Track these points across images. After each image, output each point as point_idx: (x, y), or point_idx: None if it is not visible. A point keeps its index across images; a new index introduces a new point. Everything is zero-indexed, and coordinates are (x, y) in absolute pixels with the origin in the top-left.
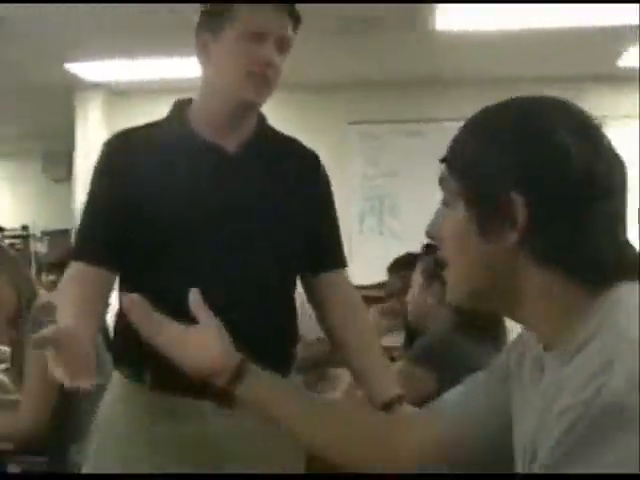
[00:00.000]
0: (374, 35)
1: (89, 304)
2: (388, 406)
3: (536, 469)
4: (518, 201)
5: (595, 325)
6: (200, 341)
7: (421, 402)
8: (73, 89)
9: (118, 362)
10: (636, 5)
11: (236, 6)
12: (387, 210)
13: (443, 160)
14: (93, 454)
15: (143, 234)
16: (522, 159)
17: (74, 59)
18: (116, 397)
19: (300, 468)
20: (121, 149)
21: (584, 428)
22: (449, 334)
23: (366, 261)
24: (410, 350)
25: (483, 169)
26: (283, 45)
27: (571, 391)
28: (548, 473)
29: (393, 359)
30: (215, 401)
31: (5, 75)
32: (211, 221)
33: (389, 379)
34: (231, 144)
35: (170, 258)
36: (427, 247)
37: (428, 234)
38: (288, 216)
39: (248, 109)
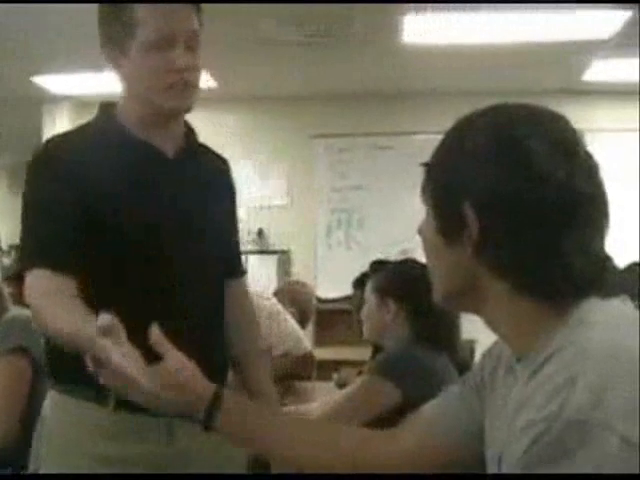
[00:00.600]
0: (341, 48)
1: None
2: None
3: None
4: (470, 214)
5: (558, 341)
6: (170, 377)
7: (385, 415)
8: (41, 102)
9: (66, 382)
10: (601, 19)
11: (136, 13)
12: (354, 223)
13: (425, 164)
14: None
15: (99, 238)
16: (480, 173)
17: (42, 72)
18: (72, 421)
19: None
20: (65, 153)
21: (547, 444)
22: (407, 348)
23: (333, 274)
24: (372, 363)
25: (445, 179)
26: (194, 41)
27: (534, 406)
28: (536, 473)
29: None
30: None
31: None
32: (162, 225)
33: (272, 398)
34: (168, 148)
35: (128, 264)
36: (376, 264)
37: (418, 232)
38: (218, 223)
39: (177, 115)
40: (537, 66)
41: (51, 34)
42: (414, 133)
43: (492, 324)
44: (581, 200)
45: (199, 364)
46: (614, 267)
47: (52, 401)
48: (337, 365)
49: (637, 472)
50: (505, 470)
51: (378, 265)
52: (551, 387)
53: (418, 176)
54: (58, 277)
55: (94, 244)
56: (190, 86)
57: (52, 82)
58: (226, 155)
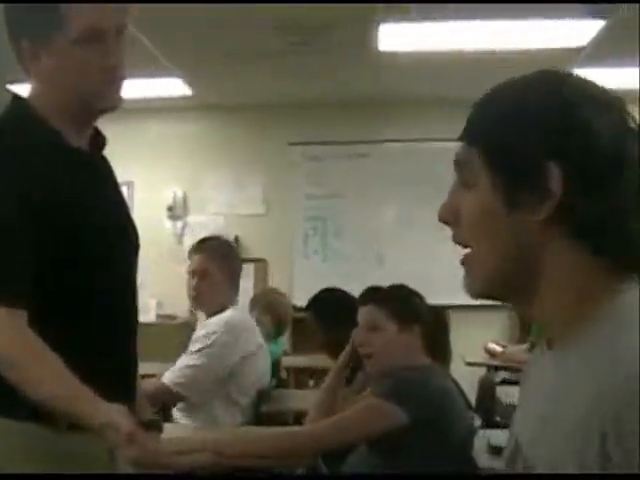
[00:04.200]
0: (317, 56)
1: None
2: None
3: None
4: (555, 171)
5: (603, 340)
6: None
7: (389, 434)
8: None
9: (8, 405)
10: (576, 28)
11: (64, 13)
12: (331, 231)
13: (461, 137)
14: None
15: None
16: (560, 132)
17: (17, 80)
18: (23, 447)
19: None
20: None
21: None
22: (420, 373)
23: (309, 282)
24: (375, 389)
25: (515, 137)
26: (121, 32)
27: (573, 403)
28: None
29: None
30: None
31: None
32: (103, 226)
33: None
34: (84, 144)
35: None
36: (370, 292)
37: (441, 218)
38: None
39: (116, 105)
40: (514, 74)
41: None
42: (390, 141)
43: (535, 305)
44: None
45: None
46: None
47: None
48: (313, 373)
49: None
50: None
51: (372, 292)
52: (589, 389)
53: (395, 184)
54: (15, 314)
55: (43, 257)
56: (121, 82)
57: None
58: (203, 163)
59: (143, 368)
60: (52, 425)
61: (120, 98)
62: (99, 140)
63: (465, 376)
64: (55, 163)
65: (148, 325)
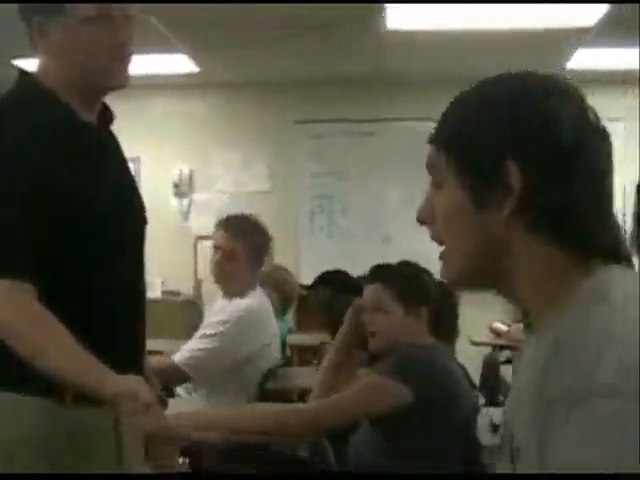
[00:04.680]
0: (324, 34)
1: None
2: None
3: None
4: (512, 168)
5: (581, 311)
6: None
7: (392, 412)
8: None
9: (16, 378)
10: (584, 8)
11: None
12: (337, 210)
13: (430, 140)
14: None
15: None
16: (516, 128)
17: (23, 55)
18: (30, 421)
19: None
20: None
21: (578, 419)
22: (425, 352)
23: (315, 260)
24: (379, 366)
25: (477, 138)
26: (130, 9)
27: (557, 377)
28: (546, 473)
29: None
30: None
31: None
32: (120, 210)
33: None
34: (92, 118)
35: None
36: (377, 270)
37: (419, 218)
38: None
39: (124, 83)
40: (521, 53)
41: None
42: (396, 120)
43: (510, 292)
44: (600, 155)
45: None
46: (623, 234)
47: None
48: (316, 351)
49: None
50: (517, 439)
51: (380, 270)
52: (576, 362)
53: (400, 163)
54: (22, 287)
55: (51, 231)
56: (129, 60)
57: (34, 65)
58: (208, 141)
59: (148, 345)
60: (58, 398)
61: (128, 76)
62: (107, 115)
63: (470, 355)
64: (66, 138)
65: (153, 302)
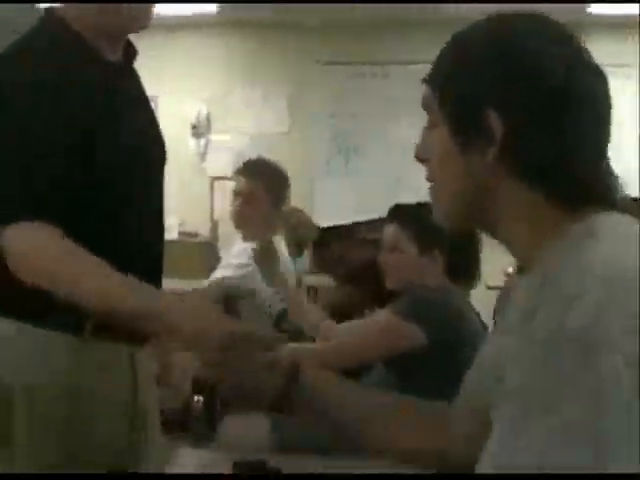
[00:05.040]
0: None
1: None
2: None
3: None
4: (493, 117)
5: (565, 254)
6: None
7: (407, 354)
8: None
9: (36, 313)
10: None
11: None
12: (352, 150)
13: (425, 79)
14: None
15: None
16: (495, 75)
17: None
18: (37, 349)
19: None
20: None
21: (548, 366)
22: (437, 293)
23: (330, 202)
24: (394, 305)
25: (459, 86)
26: None
27: (538, 321)
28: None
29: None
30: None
31: None
32: (140, 147)
33: None
34: (118, 53)
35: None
36: (395, 209)
37: (416, 155)
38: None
39: (140, 24)
40: None
41: None
42: (411, 63)
43: (499, 234)
44: (594, 97)
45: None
46: (617, 181)
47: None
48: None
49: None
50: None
51: (398, 210)
52: (556, 302)
53: (415, 105)
54: (50, 227)
55: (80, 173)
56: (152, 3)
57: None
58: (227, 80)
59: (165, 285)
60: (77, 332)
61: (150, 17)
62: (130, 51)
63: (485, 299)
64: (94, 78)
65: (170, 242)
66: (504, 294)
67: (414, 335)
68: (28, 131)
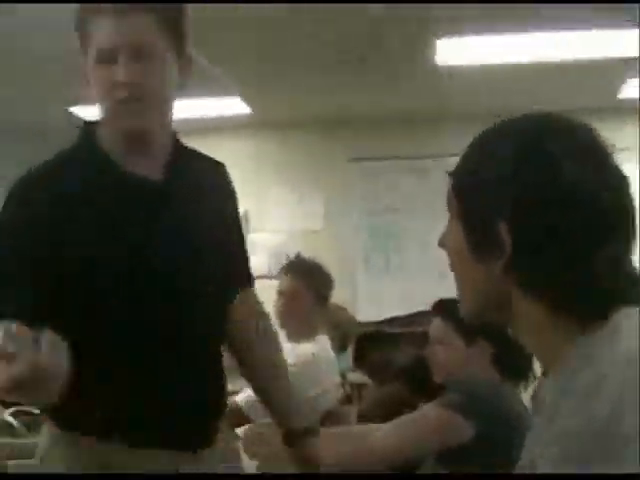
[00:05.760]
0: (375, 71)
1: None
2: (303, 435)
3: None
4: (504, 229)
5: (589, 352)
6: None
7: (456, 448)
8: (76, 132)
9: (67, 422)
10: (634, 37)
11: (88, 25)
12: (392, 247)
13: (450, 173)
14: None
15: (73, 283)
16: (511, 189)
17: (79, 102)
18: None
19: None
20: (32, 197)
21: (574, 458)
22: (489, 388)
23: (372, 298)
24: (442, 399)
25: (477, 193)
26: (141, 53)
27: (565, 417)
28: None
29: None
30: None
31: (5, 115)
32: (148, 263)
33: (302, 408)
34: (153, 170)
35: (104, 306)
36: (440, 303)
37: (439, 244)
38: (215, 235)
39: (140, 138)
40: (572, 85)
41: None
42: (449, 155)
43: (522, 337)
44: (612, 213)
45: (191, 399)
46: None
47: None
48: None
49: None
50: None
51: (442, 304)
52: (581, 397)
53: None
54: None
55: (70, 291)
56: (135, 100)
57: (89, 112)
58: (263, 180)
59: None
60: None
61: (136, 121)
62: (176, 154)
63: None
64: (99, 194)
65: None
66: (534, 396)
67: (464, 429)
68: (8, 239)
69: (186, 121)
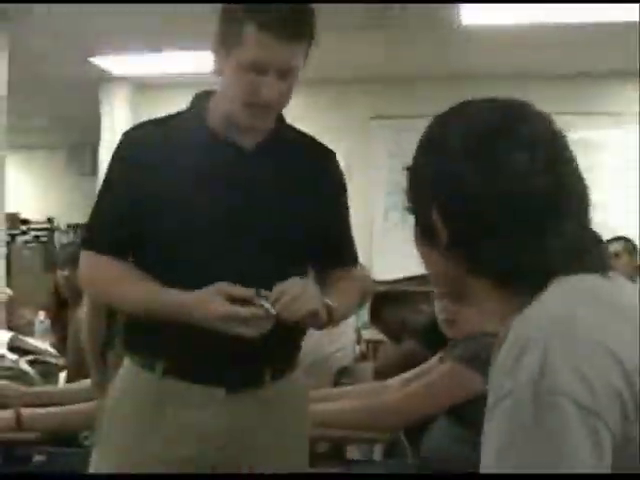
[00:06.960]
0: (398, 29)
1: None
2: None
3: None
4: (438, 220)
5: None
6: None
7: (468, 402)
8: (99, 82)
9: (129, 349)
10: None
11: (245, 32)
12: None
13: (407, 168)
14: (100, 441)
15: (157, 227)
16: (442, 177)
17: (100, 52)
18: (125, 385)
19: (303, 466)
20: (139, 142)
21: (511, 425)
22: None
23: (389, 256)
24: (456, 350)
25: (415, 184)
26: (288, 74)
27: (493, 388)
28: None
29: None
30: None
31: (33, 67)
32: (225, 219)
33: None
34: (249, 142)
35: (183, 253)
36: None
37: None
38: (299, 214)
39: (251, 127)
40: (596, 48)
41: (109, 14)
42: None
43: (478, 311)
44: (548, 196)
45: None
46: (598, 242)
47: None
48: None
49: (595, 438)
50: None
51: None
52: (507, 365)
53: None
54: (102, 259)
55: (153, 234)
56: (268, 109)
57: (110, 63)
58: None
59: None
60: (150, 369)
61: (256, 123)
62: (277, 132)
63: None
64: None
65: None
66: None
67: (476, 384)
68: (111, 186)
69: (206, 75)
